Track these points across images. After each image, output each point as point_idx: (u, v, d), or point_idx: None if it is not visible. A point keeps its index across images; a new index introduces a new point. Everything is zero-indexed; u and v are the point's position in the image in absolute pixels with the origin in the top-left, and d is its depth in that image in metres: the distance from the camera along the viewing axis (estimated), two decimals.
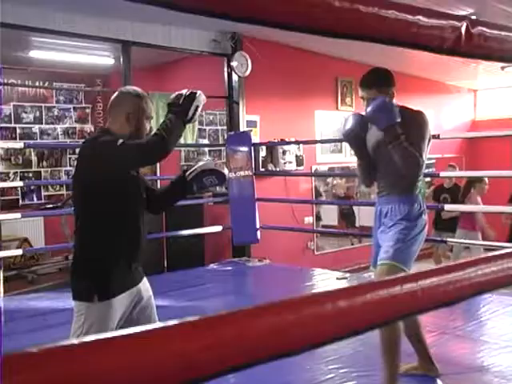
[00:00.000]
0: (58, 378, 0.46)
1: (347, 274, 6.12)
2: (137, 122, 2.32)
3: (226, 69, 7.09)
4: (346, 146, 8.72)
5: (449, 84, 10.27)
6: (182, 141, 6.71)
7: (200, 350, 0.53)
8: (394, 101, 2.92)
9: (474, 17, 0.83)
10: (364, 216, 9.07)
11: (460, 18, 0.76)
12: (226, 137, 7.11)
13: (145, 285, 2.39)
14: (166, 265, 6.71)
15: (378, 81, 2.97)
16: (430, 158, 9.76)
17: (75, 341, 0.48)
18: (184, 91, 2.31)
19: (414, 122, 2.90)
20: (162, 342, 0.53)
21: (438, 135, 6.05)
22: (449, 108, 10.51)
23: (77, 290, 2.23)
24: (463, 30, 0.75)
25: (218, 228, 6.68)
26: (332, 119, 8.52)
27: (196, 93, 2.28)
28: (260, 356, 0.60)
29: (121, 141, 2.13)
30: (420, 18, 0.73)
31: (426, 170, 10.38)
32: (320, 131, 8.27)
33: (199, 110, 2.27)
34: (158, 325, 0.54)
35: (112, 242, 2.23)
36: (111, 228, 2.22)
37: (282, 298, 0.63)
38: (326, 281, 5.77)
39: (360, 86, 2.98)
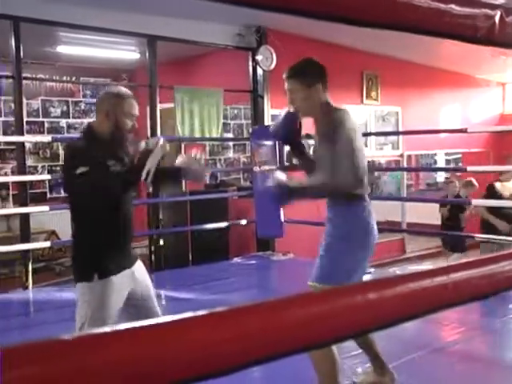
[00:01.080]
0: (80, 368, 0.46)
1: (371, 269, 6.08)
2: (115, 119, 2.44)
3: (250, 63, 7.07)
4: (371, 140, 8.67)
5: (478, 77, 10.12)
6: (206, 135, 6.72)
7: (224, 341, 0.53)
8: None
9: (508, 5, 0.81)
10: (390, 210, 9.01)
11: (494, 7, 0.74)
12: (250, 131, 7.10)
13: (141, 268, 2.57)
14: (190, 258, 6.74)
15: (302, 72, 2.64)
16: (456, 153, 9.69)
17: (97, 331, 0.48)
18: (150, 141, 2.39)
19: (332, 128, 2.56)
20: (186, 333, 0.53)
21: (466, 129, 5.97)
22: (477, 102, 10.35)
23: (78, 272, 2.43)
24: (497, 18, 0.73)
25: (242, 222, 6.68)
26: (357, 113, 8.46)
27: (151, 151, 2.33)
28: (285, 348, 0.59)
29: (79, 171, 2.27)
30: (453, 6, 0.72)
31: (452, 165, 10.20)
32: None
33: (152, 170, 2.31)
34: (183, 315, 0.54)
35: (104, 230, 2.41)
36: (100, 219, 2.41)
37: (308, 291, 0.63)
38: None
39: (284, 76, 2.67)
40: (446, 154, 9.85)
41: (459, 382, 3.11)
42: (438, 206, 7.45)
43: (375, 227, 2.71)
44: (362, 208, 2.63)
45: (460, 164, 9.73)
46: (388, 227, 8.26)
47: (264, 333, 0.57)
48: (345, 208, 2.63)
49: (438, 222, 7.39)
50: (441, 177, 9.96)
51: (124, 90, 2.54)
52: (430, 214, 8.33)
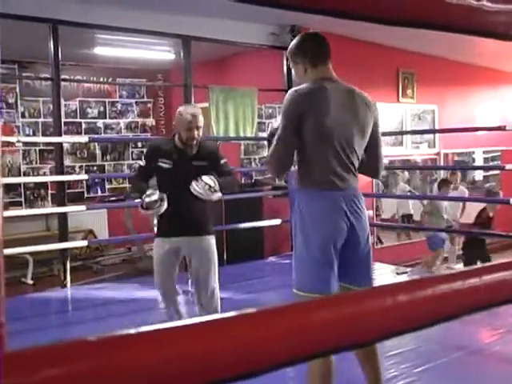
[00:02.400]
0: (106, 370, 0.46)
1: (407, 269, 6.02)
2: (178, 130, 3.29)
3: (285, 62, 7.06)
4: (407, 138, 8.57)
5: None
6: (241, 134, 6.74)
7: (260, 341, 0.53)
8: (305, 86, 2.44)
9: None
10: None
11: None
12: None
13: (195, 240, 3.34)
14: (225, 257, 6.77)
15: (290, 50, 2.57)
16: (494, 151, 9.50)
17: (133, 331, 0.49)
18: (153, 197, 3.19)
19: None
20: (222, 333, 0.53)
21: (504, 126, 5.85)
22: None
23: (207, 227, 3.39)
24: None
25: (276, 221, 6.68)
26: (393, 112, 8.37)
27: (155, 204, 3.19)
28: (315, 350, 0.59)
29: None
30: (484, 3, 0.71)
31: (492, 163, 10.00)
32: (381, 124, 8.13)
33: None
34: (219, 316, 0.55)
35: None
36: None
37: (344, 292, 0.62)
38: (385, 275, 5.68)
39: None
40: (484, 152, 9.67)
41: (497, 383, 3.05)
42: (474, 204, 7.37)
43: (336, 220, 2.39)
44: (316, 195, 2.41)
45: (498, 162, 9.53)
46: (421, 226, 8.15)
47: (299, 333, 0.57)
48: (298, 195, 2.50)
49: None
50: (479, 175, 9.78)
51: (192, 108, 3.35)
52: (466, 213, 8.20)
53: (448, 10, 0.69)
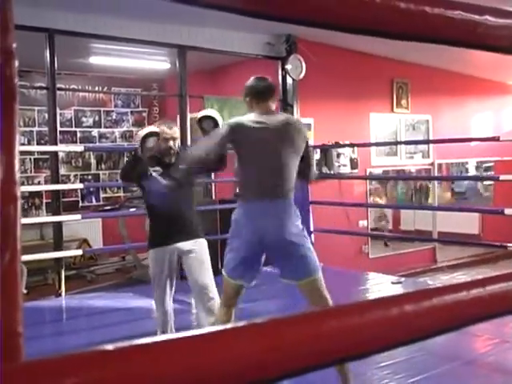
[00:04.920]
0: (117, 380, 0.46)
1: (402, 279, 6.03)
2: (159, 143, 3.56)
3: (280, 72, 7.10)
4: (401, 148, 8.60)
5: (510, 84, 9.98)
6: None
7: (270, 350, 0.53)
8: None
9: None
10: (419, 219, 8.93)
11: None
12: None
13: (187, 245, 3.56)
14: (220, 267, 6.75)
15: (244, 88, 3.25)
16: (488, 161, 9.56)
17: (137, 342, 0.49)
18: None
19: None
20: (234, 341, 0.54)
21: (498, 137, 5.90)
22: (510, 109, 10.20)
23: (198, 231, 3.66)
24: None
25: None
26: (387, 122, 8.41)
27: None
28: (319, 360, 0.60)
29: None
30: (487, 17, 0.72)
31: (485, 173, 10.02)
32: (375, 134, 8.18)
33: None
34: (231, 325, 0.55)
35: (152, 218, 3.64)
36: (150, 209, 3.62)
37: (347, 302, 0.63)
38: (380, 285, 5.69)
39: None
40: (478, 163, 9.72)
41: None
42: (470, 214, 7.39)
43: (258, 224, 2.98)
44: (240, 206, 3.10)
45: (492, 173, 9.58)
46: (418, 236, 8.18)
47: (303, 343, 0.58)
48: (240, 201, 3.16)
49: (471, 231, 7.33)
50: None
51: (164, 125, 3.61)
52: (462, 223, 8.23)
53: (451, 25, 0.70)
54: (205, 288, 3.58)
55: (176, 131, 3.69)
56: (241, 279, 3.13)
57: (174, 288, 3.61)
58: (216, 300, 3.52)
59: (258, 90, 3.19)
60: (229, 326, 0.52)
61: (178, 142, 3.70)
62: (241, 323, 0.52)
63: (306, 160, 3.15)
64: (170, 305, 3.61)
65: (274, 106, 3.21)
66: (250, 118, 3.09)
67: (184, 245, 3.58)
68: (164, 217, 3.52)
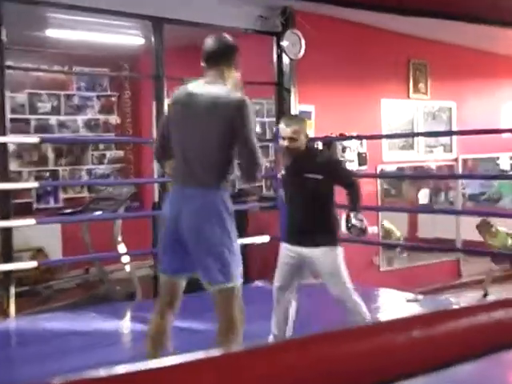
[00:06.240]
0: None
1: (419, 296, 6.03)
2: None
3: (275, 50, 7.09)
4: (418, 141, 8.62)
5: None
6: None
7: (290, 370, 0.59)
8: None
9: None
10: (441, 226, 8.93)
11: None
12: (274, 131, 7.11)
13: (313, 252, 4.17)
14: None
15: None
16: None
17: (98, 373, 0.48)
18: None
19: None
20: (252, 362, 0.60)
21: None
22: None
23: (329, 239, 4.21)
24: None
25: (264, 238, 6.67)
26: (402, 109, 8.43)
27: None
28: (350, 379, 0.64)
29: None
30: None
31: None
32: (387, 124, 8.19)
33: None
34: (245, 346, 0.61)
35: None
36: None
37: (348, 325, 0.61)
38: (392, 303, 5.69)
39: None
40: (511, 158, 9.76)
41: None
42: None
43: (173, 210, 3.18)
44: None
45: None
46: (438, 246, 8.18)
47: (323, 364, 0.62)
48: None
49: None
50: None
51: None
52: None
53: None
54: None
55: (295, 129, 3.92)
56: (166, 272, 3.29)
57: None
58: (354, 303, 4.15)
59: (203, 52, 3.27)
60: (244, 347, 0.53)
61: (302, 139, 3.94)
62: (258, 343, 0.52)
63: (242, 150, 3.18)
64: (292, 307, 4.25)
65: (229, 73, 3.38)
66: (188, 88, 3.20)
67: (308, 251, 4.32)
68: (290, 218, 4.49)
